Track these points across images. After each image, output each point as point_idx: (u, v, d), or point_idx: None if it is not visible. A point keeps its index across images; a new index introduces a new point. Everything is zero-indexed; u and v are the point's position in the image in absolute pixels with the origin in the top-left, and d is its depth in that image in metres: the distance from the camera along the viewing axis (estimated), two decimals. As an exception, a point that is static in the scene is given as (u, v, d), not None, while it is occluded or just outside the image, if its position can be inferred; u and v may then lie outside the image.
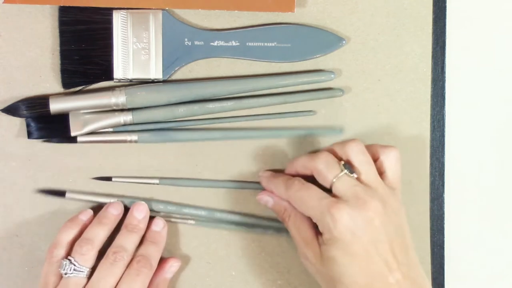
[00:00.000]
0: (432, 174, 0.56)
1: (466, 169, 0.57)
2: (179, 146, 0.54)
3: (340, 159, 0.49)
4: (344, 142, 0.50)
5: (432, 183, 0.56)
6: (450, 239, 0.57)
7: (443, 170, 0.56)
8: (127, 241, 0.51)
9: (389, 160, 0.50)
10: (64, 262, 0.49)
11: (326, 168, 0.49)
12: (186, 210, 0.55)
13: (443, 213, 0.56)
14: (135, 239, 0.52)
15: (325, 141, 0.55)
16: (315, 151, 0.54)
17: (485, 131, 0.57)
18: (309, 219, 0.49)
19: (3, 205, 0.54)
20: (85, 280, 0.49)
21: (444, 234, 0.56)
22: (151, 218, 0.54)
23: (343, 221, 0.46)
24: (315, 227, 0.49)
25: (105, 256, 0.50)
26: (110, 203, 0.53)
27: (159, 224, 0.54)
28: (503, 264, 0.58)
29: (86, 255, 0.50)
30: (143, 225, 0.53)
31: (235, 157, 0.55)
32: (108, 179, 0.54)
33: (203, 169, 0.55)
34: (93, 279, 0.49)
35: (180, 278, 0.55)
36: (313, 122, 0.55)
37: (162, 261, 0.54)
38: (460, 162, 0.57)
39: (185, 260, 0.55)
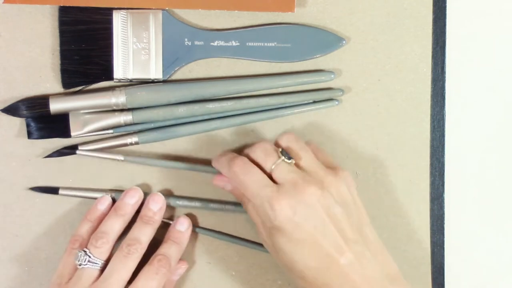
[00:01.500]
0: (432, 174, 0.56)
1: (466, 169, 0.57)
2: (179, 145, 0.54)
3: (278, 147, 0.49)
4: (280, 134, 0.50)
5: (432, 183, 0.56)
6: (450, 239, 0.57)
7: (443, 170, 0.56)
8: (141, 233, 0.51)
9: (313, 147, 0.51)
10: (79, 254, 0.50)
11: (264, 156, 0.49)
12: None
13: (443, 213, 0.56)
14: (150, 231, 0.52)
15: (324, 130, 0.55)
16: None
17: (485, 131, 0.57)
18: None
19: (3, 205, 0.54)
20: (98, 272, 0.49)
21: (444, 234, 0.56)
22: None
23: (282, 212, 0.46)
24: None
25: (119, 249, 0.50)
26: (127, 190, 0.53)
27: (184, 224, 0.53)
28: (503, 264, 0.58)
29: (101, 248, 0.50)
30: (158, 217, 0.52)
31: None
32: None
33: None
34: (106, 272, 0.49)
35: (181, 278, 0.55)
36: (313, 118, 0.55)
37: None
38: (460, 162, 0.57)
39: (185, 260, 0.55)
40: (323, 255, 0.46)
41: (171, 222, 0.54)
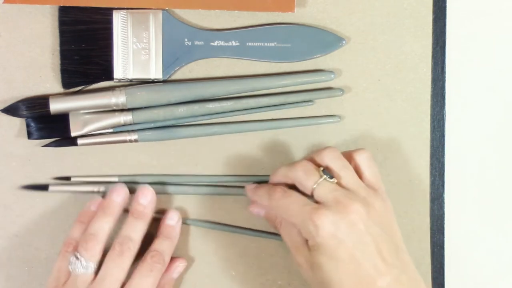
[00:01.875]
0: (432, 174, 0.56)
1: (466, 169, 0.57)
2: (179, 145, 0.54)
3: (318, 166, 0.49)
4: (320, 150, 0.50)
5: (432, 183, 0.56)
6: (450, 239, 0.57)
7: (443, 170, 0.56)
8: (133, 230, 0.51)
9: (362, 161, 0.50)
10: (71, 258, 0.49)
11: (305, 176, 0.48)
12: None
13: (443, 213, 0.56)
14: (142, 227, 0.51)
15: (325, 131, 0.55)
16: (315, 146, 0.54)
17: (485, 131, 0.57)
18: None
19: (3, 205, 0.54)
20: (92, 276, 0.49)
21: (444, 234, 0.56)
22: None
23: (325, 227, 0.46)
24: None
25: (111, 248, 0.50)
26: (113, 188, 0.52)
27: (173, 218, 0.53)
28: (503, 264, 0.58)
29: (91, 250, 0.49)
30: (149, 211, 0.52)
31: (235, 155, 0.55)
32: (67, 178, 0.54)
33: (204, 169, 0.55)
34: (100, 274, 0.49)
35: (181, 278, 0.55)
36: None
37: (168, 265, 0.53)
38: (460, 162, 0.57)
39: (185, 260, 0.55)
40: (361, 275, 0.46)
41: (162, 216, 0.54)
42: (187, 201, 0.55)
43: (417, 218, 0.56)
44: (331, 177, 0.48)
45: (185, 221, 0.55)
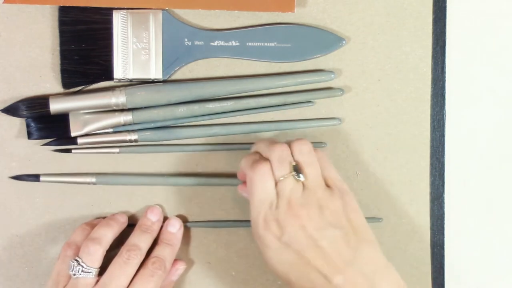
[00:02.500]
0: (432, 174, 0.56)
1: (466, 169, 0.57)
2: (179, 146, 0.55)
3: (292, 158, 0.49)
4: (296, 140, 0.49)
5: (432, 183, 0.56)
6: (450, 239, 0.57)
7: (443, 170, 0.56)
8: (140, 240, 0.51)
9: (321, 160, 0.49)
10: (72, 264, 0.49)
11: (278, 163, 0.48)
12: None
13: (443, 213, 0.56)
14: (149, 239, 0.52)
15: (325, 131, 0.55)
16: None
17: (485, 131, 0.57)
18: None
19: (3, 205, 0.54)
20: (94, 280, 0.49)
21: (444, 234, 0.56)
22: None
23: (271, 231, 0.46)
24: None
25: (118, 254, 0.50)
26: (116, 214, 0.54)
27: (175, 225, 0.54)
28: (503, 264, 0.58)
29: (93, 255, 0.49)
30: (156, 227, 0.53)
31: (236, 158, 0.55)
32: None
33: (204, 169, 0.55)
34: (104, 278, 0.49)
35: (181, 278, 0.55)
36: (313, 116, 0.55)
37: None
38: (460, 162, 0.57)
39: (185, 260, 0.55)
40: (316, 275, 0.46)
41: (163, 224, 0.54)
42: (186, 204, 0.55)
43: (417, 218, 0.56)
44: (299, 176, 0.48)
45: (185, 224, 0.55)
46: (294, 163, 0.48)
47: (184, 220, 0.55)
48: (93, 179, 0.54)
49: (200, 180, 0.54)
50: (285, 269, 0.47)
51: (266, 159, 0.48)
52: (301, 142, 0.49)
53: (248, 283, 0.56)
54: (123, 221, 0.53)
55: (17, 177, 0.54)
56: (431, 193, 0.56)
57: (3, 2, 0.52)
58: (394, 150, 0.56)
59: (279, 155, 0.48)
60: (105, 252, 0.50)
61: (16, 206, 0.54)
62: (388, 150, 0.56)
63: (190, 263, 0.55)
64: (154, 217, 0.53)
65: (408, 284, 0.56)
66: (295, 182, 0.48)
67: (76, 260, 0.49)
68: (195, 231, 0.55)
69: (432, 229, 0.56)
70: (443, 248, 0.56)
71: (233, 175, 0.55)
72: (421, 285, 0.56)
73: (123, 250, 0.50)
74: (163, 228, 0.54)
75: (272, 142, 0.50)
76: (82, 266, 0.49)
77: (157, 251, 0.52)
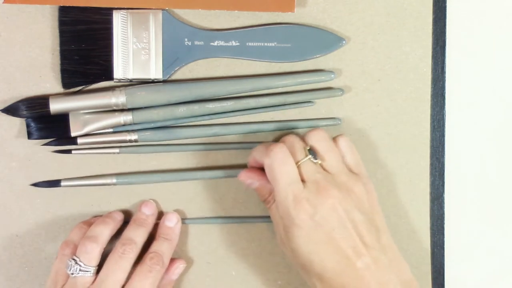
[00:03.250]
0: (432, 174, 0.56)
1: (466, 169, 0.57)
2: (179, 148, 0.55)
3: (306, 144, 0.50)
4: (309, 130, 0.50)
5: (432, 183, 0.56)
6: (450, 239, 0.57)
7: (443, 170, 0.56)
8: (135, 234, 0.51)
9: (343, 146, 0.50)
10: (70, 263, 0.49)
11: (291, 151, 0.49)
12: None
13: (443, 213, 0.56)
14: (144, 233, 0.52)
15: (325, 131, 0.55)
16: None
17: (485, 131, 0.57)
18: None
19: (3, 205, 0.54)
20: (92, 278, 0.49)
21: (444, 234, 0.56)
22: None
23: (304, 210, 0.47)
24: None
25: (113, 249, 0.50)
26: (112, 212, 0.54)
27: (172, 220, 0.54)
28: (503, 264, 0.58)
29: (90, 253, 0.50)
30: (151, 221, 0.53)
31: (236, 157, 0.55)
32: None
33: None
34: (101, 275, 0.49)
35: (180, 278, 0.55)
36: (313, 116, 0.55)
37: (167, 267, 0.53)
38: (460, 162, 0.57)
39: (185, 260, 0.55)
40: (341, 257, 0.46)
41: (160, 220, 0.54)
42: (186, 201, 0.55)
43: (417, 218, 0.56)
44: (316, 158, 0.48)
45: (184, 221, 0.55)
46: (308, 148, 0.49)
47: (182, 216, 0.55)
48: (114, 180, 0.54)
49: (219, 173, 0.55)
50: (311, 249, 0.47)
51: (281, 143, 0.49)
52: (316, 131, 0.50)
53: (248, 283, 0.56)
54: (119, 219, 0.53)
55: (37, 184, 0.54)
56: (431, 193, 0.56)
57: (3, 2, 0.52)
58: (394, 150, 0.56)
59: (290, 145, 0.49)
60: (102, 250, 0.50)
61: (16, 206, 0.54)
62: (388, 150, 0.56)
63: (189, 262, 0.55)
64: (148, 211, 0.53)
65: (408, 284, 0.56)
66: (315, 165, 0.48)
67: (74, 259, 0.49)
68: (195, 232, 0.55)
69: (432, 229, 0.56)
70: (443, 248, 0.56)
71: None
72: (421, 285, 0.56)
73: (118, 244, 0.50)
74: (161, 223, 0.54)
75: (281, 139, 0.50)
76: (80, 265, 0.49)
77: (155, 246, 0.52)
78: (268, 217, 0.53)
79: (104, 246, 0.51)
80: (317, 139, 0.49)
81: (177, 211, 0.55)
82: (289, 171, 0.48)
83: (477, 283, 0.58)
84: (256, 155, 0.51)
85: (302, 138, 0.50)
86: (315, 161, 0.48)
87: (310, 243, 0.47)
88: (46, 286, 0.51)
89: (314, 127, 0.50)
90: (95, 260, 0.50)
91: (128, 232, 0.51)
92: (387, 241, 0.48)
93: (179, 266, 0.54)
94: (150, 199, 0.54)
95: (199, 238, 0.55)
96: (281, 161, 0.48)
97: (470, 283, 0.58)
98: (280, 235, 0.49)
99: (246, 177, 0.52)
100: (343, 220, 0.47)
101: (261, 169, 0.51)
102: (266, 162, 0.49)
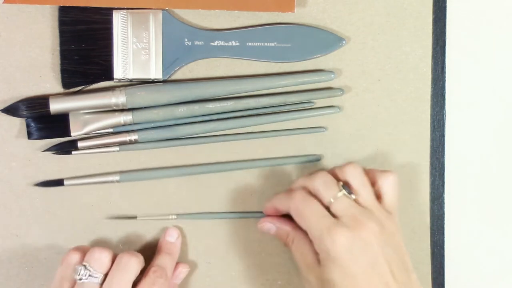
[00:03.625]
0: (432, 174, 0.56)
1: (466, 169, 0.57)
2: (179, 148, 0.55)
3: (338, 180, 0.50)
4: (343, 165, 0.50)
5: (432, 183, 0.56)
6: (450, 239, 0.57)
7: (443, 170, 0.56)
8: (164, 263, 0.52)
9: (387, 185, 0.50)
10: (79, 268, 0.49)
11: (324, 188, 0.49)
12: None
13: (443, 213, 0.56)
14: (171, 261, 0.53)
15: (325, 131, 0.55)
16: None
17: (485, 131, 0.57)
18: (312, 243, 0.49)
19: (3, 205, 0.54)
20: (98, 286, 0.49)
21: (444, 234, 0.56)
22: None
23: (341, 242, 0.46)
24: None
25: (115, 263, 0.50)
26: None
27: (173, 235, 0.54)
28: (503, 264, 0.58)
29: (101, 260, 0.49)
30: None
31: (236, 155, 0.55)
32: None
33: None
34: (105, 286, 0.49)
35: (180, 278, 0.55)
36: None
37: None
38: (460, 162, 0.57)
39: (185, 260, 0.55)
40: None
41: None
42: (187, 200, 0.55)
43: (417, 218, 0.56)
44: (350, 193, 0.49)
45: (184, 217, 0.55)
46: (342, 183, 0.49)
47: (184, 211, 0.55)
48: (117, 177, 0.54)
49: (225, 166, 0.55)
50: (346, 283, 0.46)
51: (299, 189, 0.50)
52: (351, 166, 0.50)
53: (248, 283, 0.56)
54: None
55: (40, 184, 0.54)
56: (431, 193, 0.56)
57: (3, 2, 0.52)
58: (394, 150, 0.56)
59: (323, 180, 0.49)
60: (112, 259, 0.50)
61: (16, 206, 0.54)
62: (388, 150, 0.56)
63: (189, 263, 0.55)
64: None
65: (408, 284, 0.56)
66: (350, 200, 0.48)
67: (84, 265, 0.49)
68: (195, 232, 0.55)
69: (432, 229, 0.56)
70: (443, 248, 0.56)
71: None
72: (421, 285, 0.56)
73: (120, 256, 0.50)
74: (162, 238, 0.54)
75: (310, 174, 0.51)
76: (89, 271, 0.49)
77: (157, 260, 0.52)
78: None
79: (114, 254, 0.50)
80: (352, 174, 0.49)
81: (178, 208, 0.55)
82: (316, 208, 0.48)
83: (477, 283, 0.58)
84: (277, 203, 0.52)
85: (334, 172, 0.50)
86: (349, 196, 0.48)
87: (344, 277, 0.46)
88: None
89: (348, 162, 0.50)
90: (105, 267, 0.49)
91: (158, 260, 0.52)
92: (416, 282, 0.48)
93: (182, 271, 0.54)
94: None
95: (199, 238, 0.55)
96: (305, 202, 0.49)
97: (470, 283, 0.58)
98: (305, 273, 0.49)
99: (263, 225, 0.53)
100: (378, 255, 0.46)
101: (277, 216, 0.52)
102: (291, 206, 0.49)
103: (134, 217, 0.55)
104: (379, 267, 0.46)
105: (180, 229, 0.55)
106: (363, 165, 0.55)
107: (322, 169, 0.53)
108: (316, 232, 0.47)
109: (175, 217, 0.54)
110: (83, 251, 0.51)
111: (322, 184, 0.49)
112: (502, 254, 0.58)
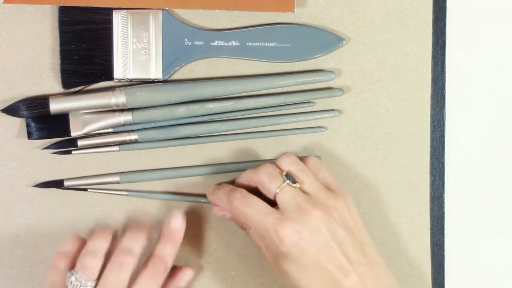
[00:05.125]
0: (432, 174, 0.56)
1: (466, 169, 0.57)
2: (179, 148, 0.55)
3: (281, 171, 0.50)
4: (279, 156, 0.51)
5: (432, 183, 0.56)
6: (450, 239, 0.57)
7: (443, 170, 0.56)
8: (133, 241, 0.49)
9: (313, 166, 0.51)
10: (71, 277, 0.48)
11: (268, 179, 0.49)
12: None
13: (443, 213, 0.56)
14: (142, 240, 0.50)
15: (325, 131, 0.55)
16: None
17: (485, 131, 0.57)
18: None
19: (3, 205, 0.54)
20: None
21: (444, 234, 0.56)
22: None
23: (288, 237, 0.47)
24: None
25: (111, 260, 0.48)
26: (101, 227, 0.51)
27: (177, 221, 0.52)
28: (503, 264, 0.58)
29: (91, 269, 0.48)
30: (138, 248, 0.50)
31: (237, 151, 0.55)
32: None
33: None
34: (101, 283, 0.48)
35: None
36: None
37: (175, 269, 0.52)
38: (460, 162, 0.57)
39: (185, 260, 0.55)
40: (329, 278, 0.46)
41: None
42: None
43: (417, 218, 0.56)
44: (294, 182, 0.49)
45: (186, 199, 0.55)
46: (285, 173, 0.49)
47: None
48: (117, 178, 0.54)
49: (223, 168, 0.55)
50: (299, 275, 0.47)
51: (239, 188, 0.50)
52: (286, 155, 0.51)
53: (248, 283, 0.56)
54: (114, 230, 0.51)
55: (40, 185, 0.54)
56: (431, 193, 0.56)
57: (3, 2, 0.52)
58: (394, 150, 0.56)
59: (267, 172, 0.49)
60: (103, 262, 0.48)
61: (17, 206, 0.54)
62: (388, 150, 0.56)
63: (190, 262, 0.55)
64: (132, 242, 0.50)
65: (408, 284, 0.56)
66: (294, 189, 0.48)
67: (73, 274, 0.48)
68: (195, 231, 0.55)
69: (432, 229, 0.56)
70: (443, 248, 0.56)
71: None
72: (421, 285, 0.56)
73: (116, 252, 0.49)
74: (165, 224, 0.52)
75: (255, 167, 0.51)
76: (80, 282, 0.47)
77: (158, 249, 0.51)
78: None
79: (104, 257, 0.49)
80: (290, 163, 0.50)
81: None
82: (258, 206, 0.48)
83: (477, 283, 0.58)
84: (218, 202, 0.52)
85: (275, 164, 0.51)
86: (293, 185, 0.49)
87: (297, 269, 0.47)
88: None
89: (283, 153, 0.51)
90: (95, 275, 0.48)
91: (126, 240, 0.49)
92: (373, 255, 0.48)
93: (187, 273, 0.53)
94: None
95: (199, 237, 0.55)
96: (245, 202, 0.49)
97: (470, 283, 0.58)
98: (267, 260, 0.49)
99: (218, 212, 0.53)
100: (328, 241, 0.47)
101: None
102: (232, 208, 0.49)
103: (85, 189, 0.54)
104: (330, 252, 0.47)
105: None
106: (363, 165, 0.55)
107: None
108: (262, 231, 0.48)
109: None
110: (68, 255, 0.49)
111: (267, 176, 0.49)
112: (502, 254, 0.58)
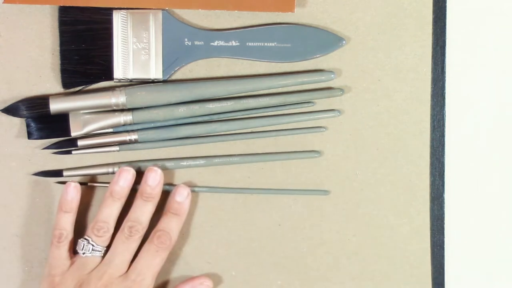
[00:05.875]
0: (432, 174, 0.56)
1: (466, 169, 0.57)
2: (179, 148, 0.55)
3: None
4: None
5: (432, 183, 0.56)
6: (450, 239, 0.57)
7: (443, 170, 0.56)
8: (142, 213, 0.51)
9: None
10: (82, 243, 0.51)
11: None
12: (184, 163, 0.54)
13: (443, 213, 0.56)
14: (150, 208, 0.52)
15: (325, 131, 0.55)
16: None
17: (485, 131, 0.57)
18: None
19: (3, 205, 0.54)
20: (100, 259, 0.51)
21: (444, 234, 0.56)
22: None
23: None
24: None
25: (120, 230, 0.51)
26: (120, 171, 0.52)
27: (182, 194, 0.53)
28: (503, 264, 0.58)
29: (103, 237, 0.51)
30: (158, 191, 0.52)
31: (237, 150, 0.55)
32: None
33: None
34: (109, 255, 0.51)
35: (180, 278, 0.55)
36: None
37: (193, 278, 0.54)
38: (460, 162, 0.57)
39: (185, 260, 0.55)
40: None
41: (172, 187, 0.54)
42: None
43: (417, 218, 0.56)
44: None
45: (193, 189, 0.54)
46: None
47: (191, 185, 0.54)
48: (116, 169, 0.54)
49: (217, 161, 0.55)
50: None
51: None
52: None
53: (248, 283, 0.56)
54: (127, 186, 0.52)
55: (38, 174, 0.54)
56: (431, 193, 0.56)
57: (3, 2, 0.52)
58: (394, 150, 0.56)
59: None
60: (113, 230, 0.51)
61: (16, 206, 0.54)
62: (388, 150, 0.56)
63: (190, 262, 0.55)
64: (154, 182, 0.52)
65: (408, 284, 0.56)
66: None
67: (86, 239, 0.51)
68: (195, 231, 0.55)
69: (432, 229, 0.56)
70: (443, 248, 0.56)
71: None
72: (421, 285, 0.56)
73: (125, 226, 0.51)
74: (170, 197, 0.53)
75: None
76: (93, 245, 0.51)
77: (163, 223, 0.52)
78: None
79: (115, 224, 0.52)
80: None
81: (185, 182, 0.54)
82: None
83: (477, 283, 0.58)
84: None
85: None
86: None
87: None
88: (45, 273, 0.51)
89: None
90: (106, 242, 0.51)
91: (135, 212, 0.51)
92: None
93: (204, 283, 0.54)
94: (155, 166, 0.53)
95: (199, 238, 0.55)
96: None
97: (470, 283, 0.58)
98: None
99: None
100: None
101: None
102: None
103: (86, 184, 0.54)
104: None
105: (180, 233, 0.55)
106: (363, 165, 0.55)
107: None
108: None
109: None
110: (68, 230, 0.51)
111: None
112: (502, 254, 0.58)
